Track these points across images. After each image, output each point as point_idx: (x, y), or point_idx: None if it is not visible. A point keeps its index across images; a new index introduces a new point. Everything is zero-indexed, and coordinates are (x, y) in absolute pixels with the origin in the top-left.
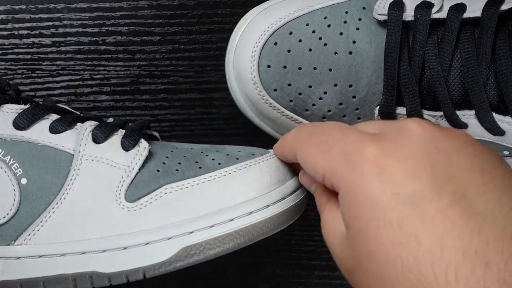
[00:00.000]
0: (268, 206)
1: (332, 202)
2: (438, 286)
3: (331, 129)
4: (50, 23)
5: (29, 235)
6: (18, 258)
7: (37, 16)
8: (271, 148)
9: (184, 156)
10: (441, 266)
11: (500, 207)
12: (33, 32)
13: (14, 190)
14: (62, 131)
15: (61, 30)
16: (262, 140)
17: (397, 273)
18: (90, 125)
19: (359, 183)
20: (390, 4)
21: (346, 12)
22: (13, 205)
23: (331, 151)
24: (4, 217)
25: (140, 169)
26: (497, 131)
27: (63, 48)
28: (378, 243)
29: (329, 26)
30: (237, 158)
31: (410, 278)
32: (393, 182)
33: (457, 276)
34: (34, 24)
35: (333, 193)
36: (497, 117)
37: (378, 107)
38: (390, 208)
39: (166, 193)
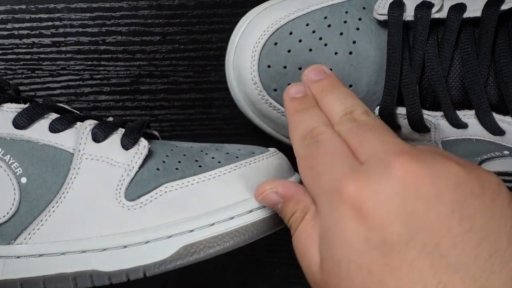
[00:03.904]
0: None
1: (312, 221)
2: None
3: (323, 155)
4: (50, 23)
5: (29, 234)
6: (18, 257)
7: (37, 16)
8: (271, 148)
9: (184, 155)
10: None
11: (476, 257)
12: (33, 32)
13: (14, 189)
14: (62, 130)
15: (61, 30)
16: (262, 140)
17: None
18: (90, 124)
19: (336, 222)
20: (390, 4)
21: (346, 12)
22: (13, 204)
23: (318, 182)
24: (4, 216)
25: (140, 167)
26: (497, 131)
27: (63, 48)
28: (349, 284)
29: (329, 26)
30: (237, 157)
31: None
32: (367, 226)
33: None
34: (34, 24)
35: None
36: (497, 117)
37: (378, 107)
38: (361, 252)
39: (166, 192)
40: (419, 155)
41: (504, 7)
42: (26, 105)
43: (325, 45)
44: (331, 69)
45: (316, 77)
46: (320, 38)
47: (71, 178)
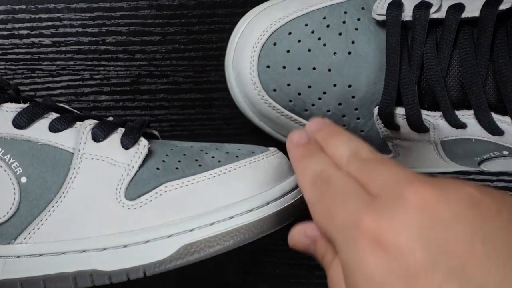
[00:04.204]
0: (268, 203)
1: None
2: None
3: (336, 195)
4: (50, 23)
5: (29, 233)
6: (19, 257)
7: (37, 16)
8: (271, 147)
9: (184, 154)
10: None
11: (505, 275)
12: (33, 32)
13: (14, 189)
14: (62, 130)
15: (61, 30)
16: (262, 140)
17: None
18: (90, 123)
19: (356, 258)
20: (389, 4)
21: (345, 12)
22: (13, 204)
23: (333, 222)
24: (4, 216)
25: (140, 167)
26: (496, 131)
27: (63, 48)
28: None
29: (328, 26)
30: (236, 156)
31: None
32: (388, 257)
33: None
34: (34, 24)
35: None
36: (496, 117)
37: (377, 107)
38: (385, 285)
39: (166, 191)
40: (430, 181)
41: (503, 7)
42: (26, 105)
43: (324, 45)
44: (330, 70)
45: (318, 127)
46: (319, 38)
47: (71, 178)
